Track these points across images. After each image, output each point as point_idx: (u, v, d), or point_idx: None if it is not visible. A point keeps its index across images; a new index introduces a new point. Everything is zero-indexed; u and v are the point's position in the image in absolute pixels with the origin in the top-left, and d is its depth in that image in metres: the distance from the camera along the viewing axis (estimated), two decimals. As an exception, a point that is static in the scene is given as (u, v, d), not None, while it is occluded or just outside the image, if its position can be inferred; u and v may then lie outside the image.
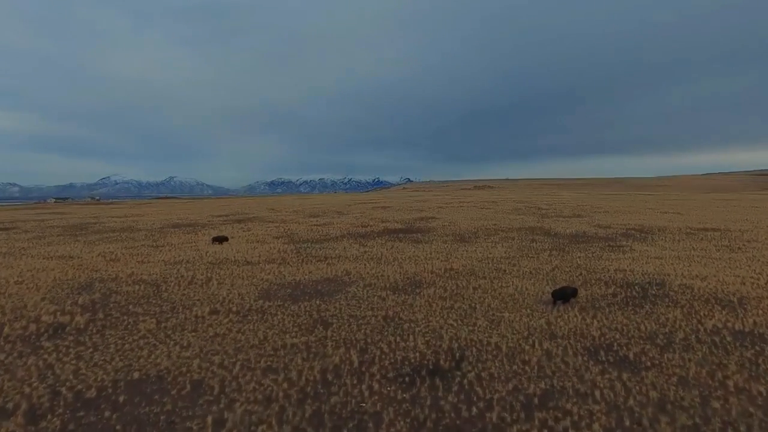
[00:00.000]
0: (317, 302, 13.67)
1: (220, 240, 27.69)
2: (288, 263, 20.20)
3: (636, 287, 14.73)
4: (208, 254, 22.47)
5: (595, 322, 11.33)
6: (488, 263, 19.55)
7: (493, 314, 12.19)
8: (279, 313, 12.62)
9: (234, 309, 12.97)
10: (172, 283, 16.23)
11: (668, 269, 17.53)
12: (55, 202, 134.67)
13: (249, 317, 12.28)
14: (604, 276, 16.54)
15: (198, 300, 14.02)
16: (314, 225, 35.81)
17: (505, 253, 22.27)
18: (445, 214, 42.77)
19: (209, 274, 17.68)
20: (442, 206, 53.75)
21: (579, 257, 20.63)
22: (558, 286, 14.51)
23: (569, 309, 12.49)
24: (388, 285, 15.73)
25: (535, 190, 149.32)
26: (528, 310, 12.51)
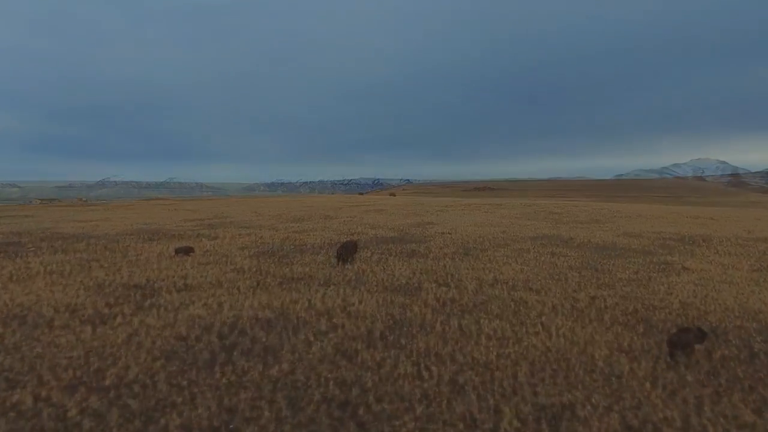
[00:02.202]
0: (243, 365, 8.71)
1: (185, 251, 22.81)
2: (237, 289, 15.18)
3: (736, 342, 9.76)
4: (136, 274, 17.48)
5: None
6: (502, 289, 14.61)
7: (528, 406, 7.23)
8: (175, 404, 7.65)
9: (76, 400, 7.97)
10: (37, 327, 11.05)
11: (755, 302, 12.58)
12: (41, 203, 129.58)
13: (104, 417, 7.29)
14: (669, 315, 11.56)
15: (40, 370, 9.01)
16: (293, 232, 30.80)
17: (521, 272, 17.31)
18: (444, 219, 37.77)
19: (112, 310, 12.58)
20: (442, 209, 48.71)
21: (621, 280, 15.68)
22: (674, 331, 9.31)
23: (664, 395, 7.48)
24: (360, 331, 10.73)
25: (539, 191, 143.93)
26: (585, 391, 7.54)
